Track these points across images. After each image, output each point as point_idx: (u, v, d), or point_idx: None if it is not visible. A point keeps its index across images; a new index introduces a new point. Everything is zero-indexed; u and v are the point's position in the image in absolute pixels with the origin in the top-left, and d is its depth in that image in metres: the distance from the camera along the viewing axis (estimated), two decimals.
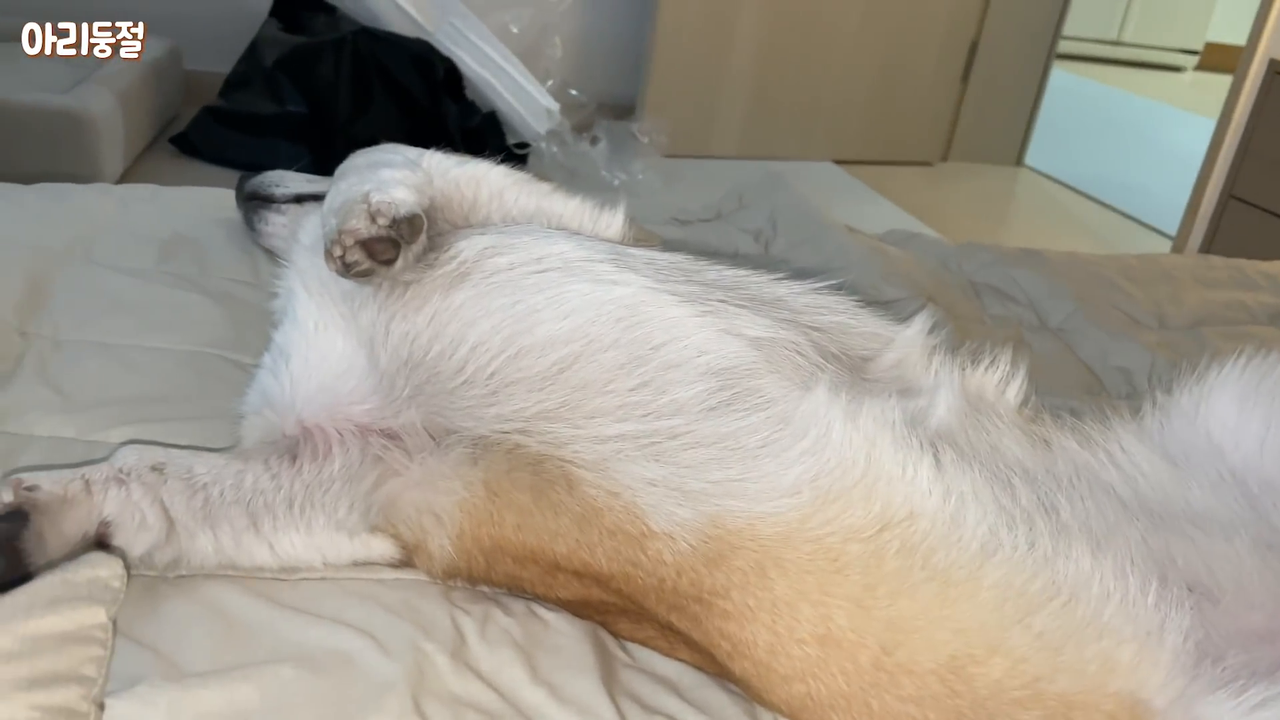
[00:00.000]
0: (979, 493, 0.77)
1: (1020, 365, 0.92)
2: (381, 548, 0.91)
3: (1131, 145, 5.52)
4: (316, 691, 0.78)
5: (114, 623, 0.69)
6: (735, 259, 1.06)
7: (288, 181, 1.33)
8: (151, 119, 3.04)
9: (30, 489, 0.81)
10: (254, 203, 1.34)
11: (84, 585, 0.67)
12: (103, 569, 0.69)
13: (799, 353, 0.86)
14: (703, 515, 0.78)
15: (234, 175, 1.39)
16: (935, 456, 0.79)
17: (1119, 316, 1.73)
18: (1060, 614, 0.72)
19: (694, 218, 1.89)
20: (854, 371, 0.88)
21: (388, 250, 0.85)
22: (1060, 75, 4.92)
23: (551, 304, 0.86)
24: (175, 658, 0.79)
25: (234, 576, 0.89)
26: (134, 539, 0.83)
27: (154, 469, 0.87)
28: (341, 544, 0.90)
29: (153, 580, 0.87)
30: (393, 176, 0.92)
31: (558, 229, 0.96)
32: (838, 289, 0.99)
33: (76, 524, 0.81)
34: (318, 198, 1.28)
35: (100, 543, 0.83)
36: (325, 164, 1.36)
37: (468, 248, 0.91)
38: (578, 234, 0.95)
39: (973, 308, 1.67)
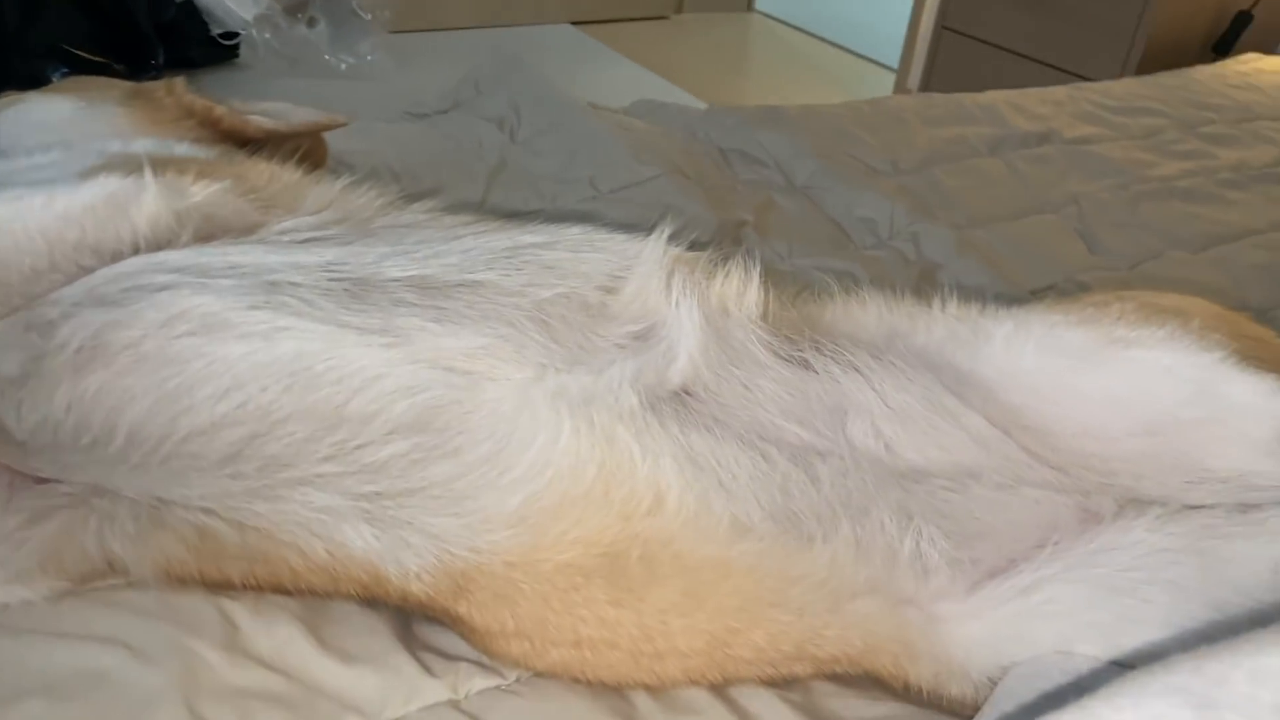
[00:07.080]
0: (726, 471, 0.75)
1: (754, 267, 0.87)
2: (31, 593, 0.79)
3: None
4: None
5: None
6: (443, 211, 0.94)
7: None
8: None
9: None
10: None
11: None
12: None
13: (517, 349, 0.77)
14: (432, 559, 0.75)
15: None
16: (678, 434, 0.76)
17: (858, 166, 1.78)
18: (818, 590, 0.75)
19: (431, 109, 1.78)
20: (589, 331, 0.81)
21: None
22: None
23: (208, 377, 0.73)
24: None
25: None
26: None
27: None
28: None
29: None
30: None
31: (171, 266, 0.78)
32: (566, 221, 0.90)
33: None
34: None
35: None
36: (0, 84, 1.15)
37: (78, 330, 0.74)
38: (200, 269, 0.78)
39: (724, 176, 1.68)
